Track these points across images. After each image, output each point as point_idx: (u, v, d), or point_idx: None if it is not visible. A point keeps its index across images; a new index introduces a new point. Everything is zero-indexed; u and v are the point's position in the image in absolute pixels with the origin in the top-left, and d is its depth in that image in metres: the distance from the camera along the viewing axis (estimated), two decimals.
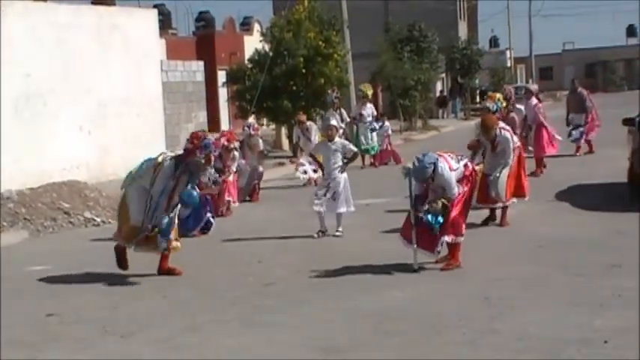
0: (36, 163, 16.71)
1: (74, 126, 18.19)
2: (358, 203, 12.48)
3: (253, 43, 29.63)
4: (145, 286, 9.18)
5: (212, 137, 10.13)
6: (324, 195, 11.60)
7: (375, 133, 21.35)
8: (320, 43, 24.83)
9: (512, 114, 15.18)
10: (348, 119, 21.74)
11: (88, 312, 8.17)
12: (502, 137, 11.51)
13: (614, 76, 77.28)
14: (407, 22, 38.03)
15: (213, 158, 10.10)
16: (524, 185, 12.20)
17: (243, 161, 15.60)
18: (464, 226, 9.31)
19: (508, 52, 63.39)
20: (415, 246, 9.10)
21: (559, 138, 18.37)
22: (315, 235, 11.56)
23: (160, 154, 9.76)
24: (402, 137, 30.19)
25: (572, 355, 6.18)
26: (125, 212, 9.65)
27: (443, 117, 44.02)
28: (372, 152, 21.48)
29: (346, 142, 12.42)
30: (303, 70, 24.60)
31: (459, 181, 9.24)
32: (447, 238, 9.09)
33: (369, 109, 21.49)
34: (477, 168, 10.12)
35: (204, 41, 34.08)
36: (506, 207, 11.76)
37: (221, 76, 30.71)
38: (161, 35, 25.01)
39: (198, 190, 9.74)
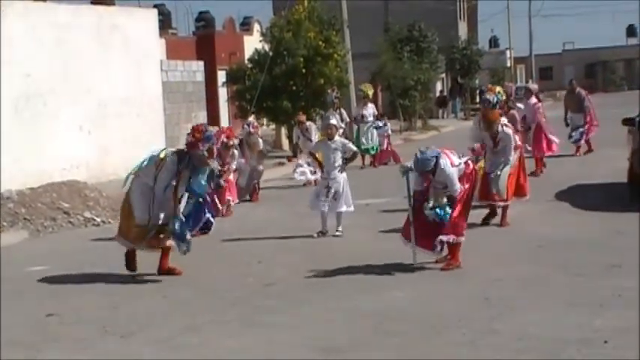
0: (36, 163, 16.71)
1: (74, 126, 18.20)
2: (358, 203, 12.48)
3: (253, 43, 29.60)
4: (145, 286, 9.18)
5: (213, 130, 10.11)
6: (326, 196, 11.61)
7: (376, 133, 21.36)
8: (320, 43, 24.82)
9: (513, 111, 15.04)
10: (348, 119, 21.75)
11: (88, 312, 8.17)
12: (504, 134, 11.44)
13: (614, 76, 77.20)
14: (407, 22, 38.02)
15: (215, 151, 10.07)
16: (524, 185, 12.20)
17: (242, 160, 15.57)
18: (464, 226, 9.31)
19: (508, 52, 63.22)
20: (414, 244, 9.11)
21: (557, 141, 18.32)
22: (315, 235, 11.57)
23: (162, 150, 9.72)
24: (401, 137, 30.19)
25: (572, 355, 6.18)
26: (128, 209, 9.57)
27: (443, 117, 44.04)
28: (372, 152, 21.48)
29: (346, 141, 12.41)
30: (303, 70, 24.60)
31: (460, 179, 9.22)
32: (448, 238, 9.08)
33: (370, 109, 21.53)
34: (477, 167, 10.12)
35: (204, 41, 34.01)
36: (507, 207, 11.75)
37: (221, 76, 30.65)
38: (161, 35, 25.01)
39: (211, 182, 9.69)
